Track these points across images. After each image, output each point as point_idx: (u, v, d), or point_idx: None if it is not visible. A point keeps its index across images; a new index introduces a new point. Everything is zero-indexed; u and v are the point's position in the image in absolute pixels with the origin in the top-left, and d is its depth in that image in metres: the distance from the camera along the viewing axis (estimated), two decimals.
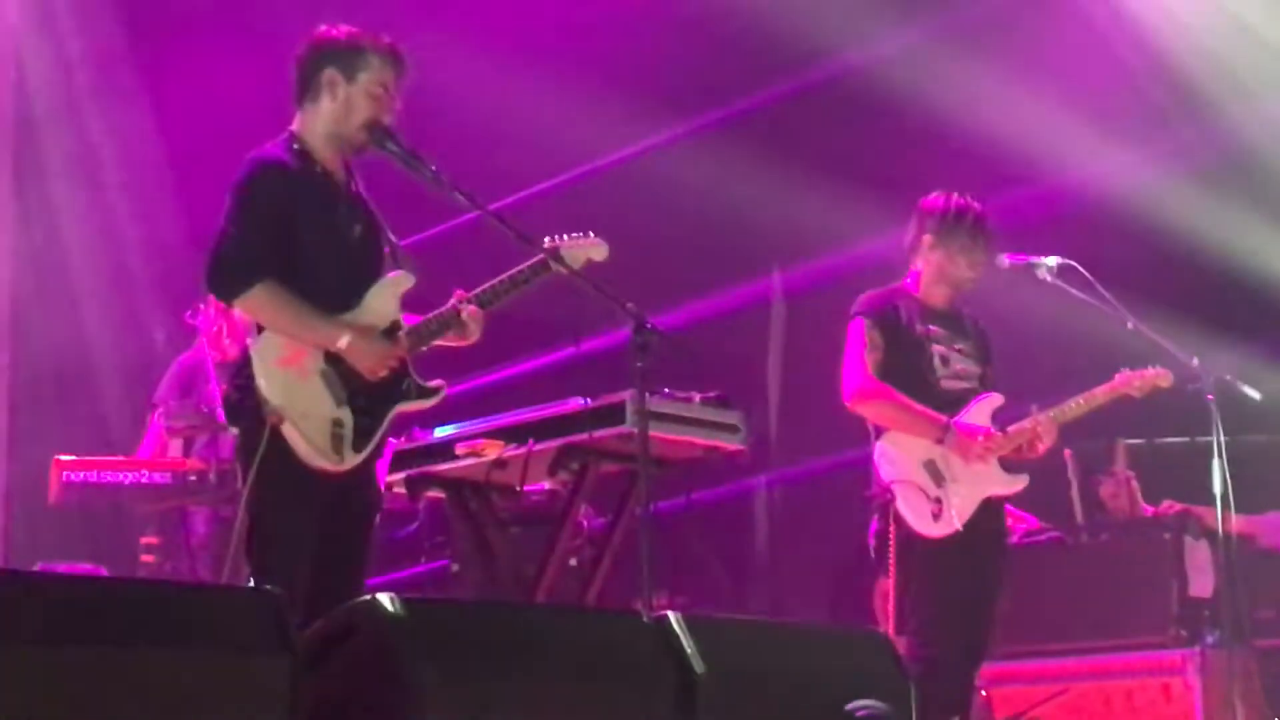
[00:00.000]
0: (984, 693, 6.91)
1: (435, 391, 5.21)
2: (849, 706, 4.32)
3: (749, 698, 4.24)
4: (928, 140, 9.20)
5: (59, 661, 3.36)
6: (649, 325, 5.10)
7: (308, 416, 4.92)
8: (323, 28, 5.18)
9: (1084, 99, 9.27)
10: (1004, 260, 6.46)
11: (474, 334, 5.28)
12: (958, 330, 6.45)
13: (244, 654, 3.62)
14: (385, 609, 3.81)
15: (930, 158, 8.92)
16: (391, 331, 5.11)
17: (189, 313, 7.71)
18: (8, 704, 3.24)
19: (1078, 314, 6.66)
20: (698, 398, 6.10)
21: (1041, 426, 6.31)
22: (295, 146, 5.11)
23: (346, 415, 4.98)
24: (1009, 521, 6.84)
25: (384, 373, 5.04)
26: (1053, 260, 6.47)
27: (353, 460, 4.98)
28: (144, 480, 7.34)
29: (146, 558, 7.53)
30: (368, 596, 3.88)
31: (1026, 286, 6.61)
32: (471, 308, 5.22)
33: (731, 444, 6.20)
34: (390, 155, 5.12)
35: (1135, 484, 8.39)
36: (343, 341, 4.96)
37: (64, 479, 7.30)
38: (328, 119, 5.12)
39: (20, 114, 8.98)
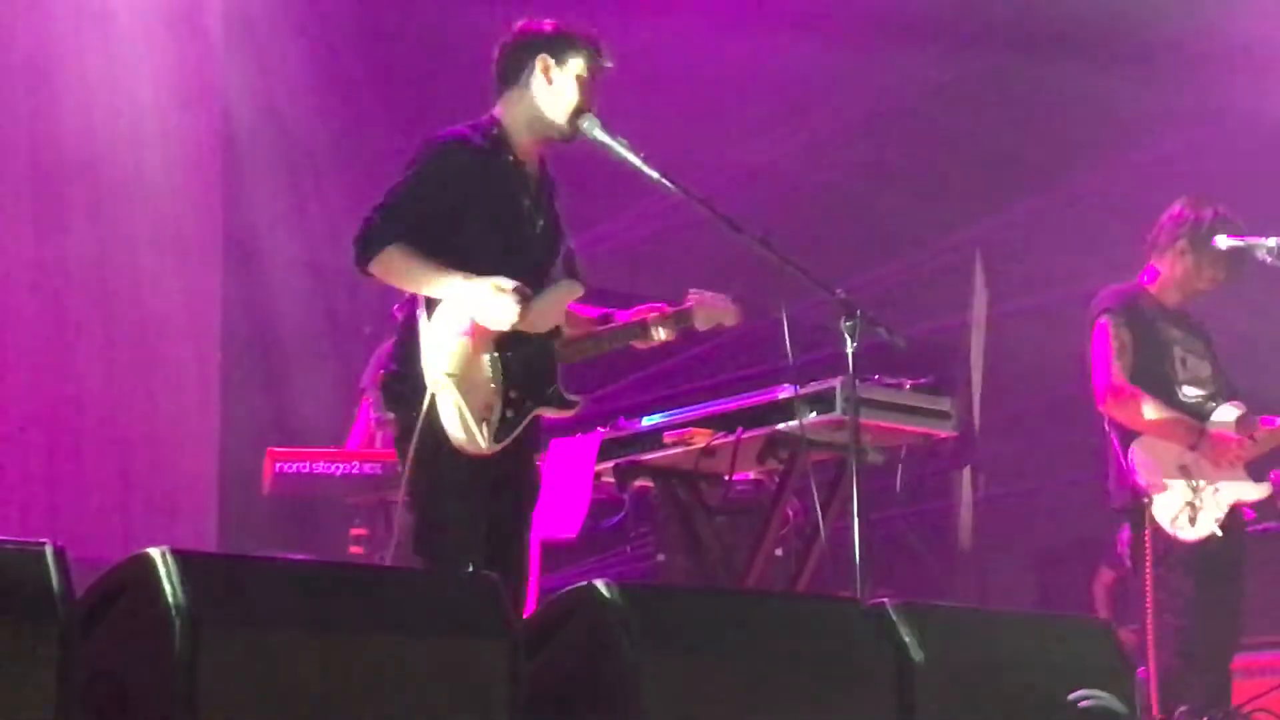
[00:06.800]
0: None
1: (573, 404, 5.11)
2: (1071, 695, 4.25)
3: (969, 685, 4.19)
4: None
5: (284, 644, 3.42)
6: (859, 311, 5.04)
7: (471, 392, 4.89)
8: (529, 20, 5.21)
9: None
10: (1222, 241, 6.30)
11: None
12: (1191, 332, 6.40)
13: (464, 638, 3.66)
14: (602, 594, 3.82)
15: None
16: (552, 335, 5.06)
17: (397, 306, 7.75)
18: (240, 686, 3.30)
19: None
20: (908, 384, 6.03)
21: None
22: (494, 131, 5.10)
23: (497, 404, 4.93)
24: None
25: (513, 320, 4.89)
26: (1273, 240, 6.29)
27: (491, 448, 4.90)
28: (355, 472, 7.39)
29: (355, 549, 7.59)
30: (584, 583, 3.88)
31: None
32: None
33: (943, 431, 6.13)
34: (598, 142, 5.13)
35: None
36: (472, 288, 4.88)
37: (277, 469, 7.37)
38: (535, 104, 5.11)
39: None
